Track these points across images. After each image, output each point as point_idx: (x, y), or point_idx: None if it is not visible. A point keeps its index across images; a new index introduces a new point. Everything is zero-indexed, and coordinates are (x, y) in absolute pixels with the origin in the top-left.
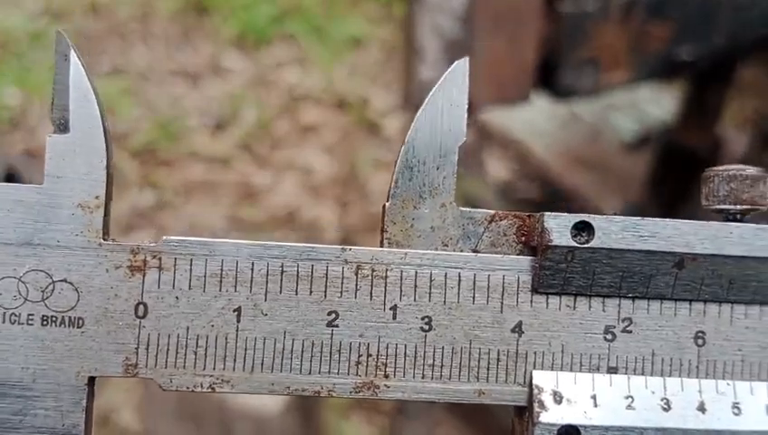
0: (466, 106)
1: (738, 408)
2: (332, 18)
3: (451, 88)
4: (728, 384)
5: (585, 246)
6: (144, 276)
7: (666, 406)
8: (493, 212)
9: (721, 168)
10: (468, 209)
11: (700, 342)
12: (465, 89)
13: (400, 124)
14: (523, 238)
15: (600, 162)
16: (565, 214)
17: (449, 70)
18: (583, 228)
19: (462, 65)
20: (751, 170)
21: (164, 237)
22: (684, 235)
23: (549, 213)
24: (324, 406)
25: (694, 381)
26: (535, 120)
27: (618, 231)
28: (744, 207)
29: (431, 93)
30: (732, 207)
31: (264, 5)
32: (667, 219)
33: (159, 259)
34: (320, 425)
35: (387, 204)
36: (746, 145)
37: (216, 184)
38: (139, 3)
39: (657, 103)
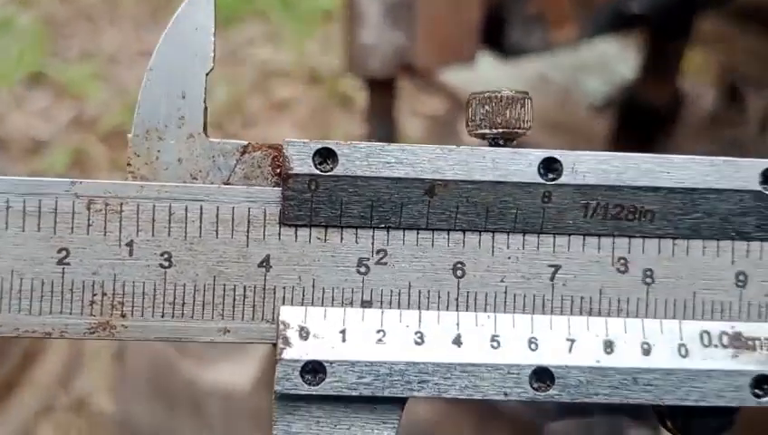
0: (213, 30)
1: (497, 341)
2: None
3: (196, 11)
4: (488, 317)
5: (328, 174)
6: None
7: (419, 340)
8: (246, 142)
9: (481, 91)
10: (219, 140)
11: (459, 273)
12: (211, 12)
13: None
14: (278, 170)
15: (569, 124)
16: (307, 141)
17: None
18: (327, 156)
19: None
20: (507, 92)
21: None
22: (433, 160)
23: (290, 139)
24: None
25: (452, 313)
26: (504, 84)
27: (362, 157)
28: (500, 130)
29: (174, 17)
30: (488, 130)
31: None
32: (417, 145)
33: None
34: None
35: (129, 135)
36: (713, 98)
37: None
38: None
39: (626, 62)
